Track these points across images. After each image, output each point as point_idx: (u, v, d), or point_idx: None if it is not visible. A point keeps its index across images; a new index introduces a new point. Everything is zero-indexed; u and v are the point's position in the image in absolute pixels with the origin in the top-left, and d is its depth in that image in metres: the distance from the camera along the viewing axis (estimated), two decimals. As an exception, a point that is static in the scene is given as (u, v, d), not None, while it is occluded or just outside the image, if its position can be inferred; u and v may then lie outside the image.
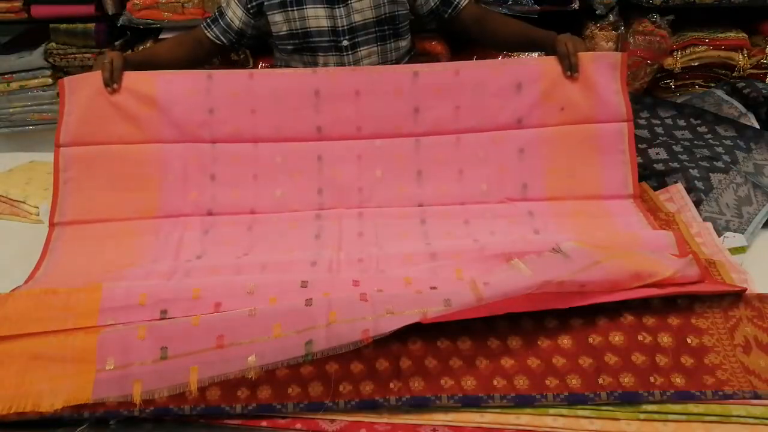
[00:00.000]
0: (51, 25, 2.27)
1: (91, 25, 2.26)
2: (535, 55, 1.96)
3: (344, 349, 1.11)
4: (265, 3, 1.69)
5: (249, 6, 1.70)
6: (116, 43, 2.34)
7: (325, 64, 1.73)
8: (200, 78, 1.63)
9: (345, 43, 1.70)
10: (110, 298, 1.23)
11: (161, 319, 1.20)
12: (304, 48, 1.73)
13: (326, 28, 1.69)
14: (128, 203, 1.58)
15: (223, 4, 1.77)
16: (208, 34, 1.76)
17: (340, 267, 1.35)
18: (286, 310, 1.17)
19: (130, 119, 1.60)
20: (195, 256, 1.44)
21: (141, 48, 2.25)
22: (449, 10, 1.76)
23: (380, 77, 1.63)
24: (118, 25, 2.27)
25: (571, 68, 1.59)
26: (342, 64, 1.73)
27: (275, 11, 1.68)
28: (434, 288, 1.19)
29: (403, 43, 1.80)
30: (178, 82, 1.62)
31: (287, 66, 1.81)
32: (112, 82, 1.59)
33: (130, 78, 1.62)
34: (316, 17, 1.68)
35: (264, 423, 1.13)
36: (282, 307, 1.18)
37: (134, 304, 1.22)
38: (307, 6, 1.67)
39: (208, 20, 1.78)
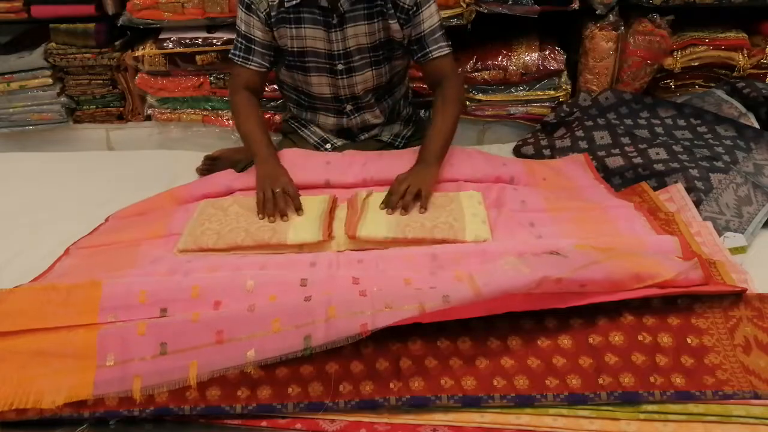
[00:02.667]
0: (51, 25, 2.28)
1: (91, 25, 2.26)
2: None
3: (342, 343, 1.11)
4: (273, 18, 1.65)
5: (268, 21, 1.66)
6: (116, 42, 2.35)
7: (319, 85, 1.75)
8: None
9: (340, 67, 1.70)
10: (110, 296, 1.23)
11: (161, 317, 1.20)
12: (297, 67, 1.73)
13: (322, 51, 1.68)
14: (141, 231, 1.59)
15: (243, 30, 1.68)
16: (252, 68, 1.70)
17: (339, 266, 1.35)
18: (285, 306, 1.17)
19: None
20: (194, 255, 1.44)
21: (142, 55, 2.26)
22: (419, 54, 1.70)
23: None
24: (118, 25, 2.27)
25: (387, 203, 1.52)
26: (336, 86, 1.75)
27: (278, 26, 1.67)
28: (433, 288, 1.19)
29: (398, 62, 1.78)
30: None
31: (282, 81, 1.86)
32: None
33: None
34: (314, 38, 1.67)
35: (264, 423, 1.12)
36: (281, 303, 1.19)
37: (134, 303, 1.22)
38: (306, 26, 1.65)
39: (241, 55, 1.70)
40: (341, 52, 1.68)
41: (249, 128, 1.70)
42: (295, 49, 1.69)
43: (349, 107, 1.79)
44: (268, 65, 1.72)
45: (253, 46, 1.68)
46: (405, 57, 1.80)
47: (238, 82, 1.74)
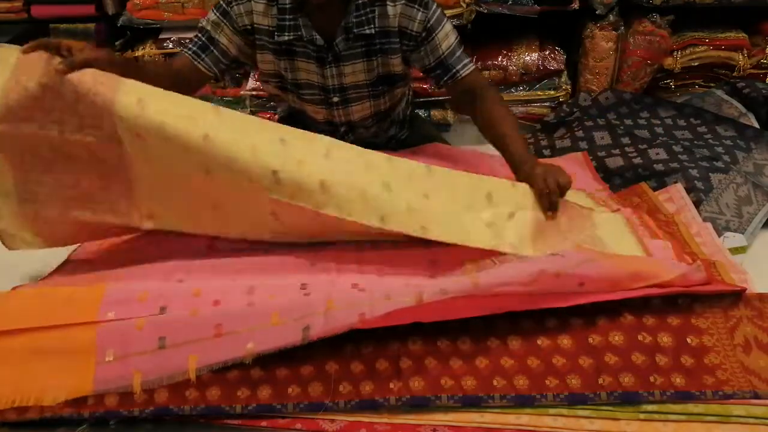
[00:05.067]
0: (51, 25, 2.28)
1: (91, 25, 2.27)
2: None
3: (342, 330, 1.11)
4: (257, 43, 1.54)
5: (250, 37, 1.54)
6: (116, 43, 2.35)
7: (313, 111, 1.68)
8: None
9: (335, 99, 1.62)
10: (111, 296, 1.23)
11: (160, 314, 1.20)
12: (290, 91, 1.65)
13: (316, 84, 1.60)
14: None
15: (209, 29, 1.53)
16: (198, 65, 1.54)
17: (340, 268, 1.34)
18: (284, 301, 1.18)
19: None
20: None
21: (142, 55, 2.26)
22: (445, 78, 1.57)
23: None
24: (118, 25, 2.28)
25: (551, 206, 1.35)
26: (332, 117, 1.68)
27: (266, 52, 1.56)
28: (432, 279, 1.19)
29: (399, 90, 1.70)
30: None
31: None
32: (67, 63, 1.23)
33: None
34: (308, 71, 1.58)
35: (264, 423, 1.12)
36: (280, 299, 1.19)
37: (134, 299, 1.22)
38: (299, 59, 1.56)
39: (194, 48, 1.54)
40: (336, 86, 1.60)
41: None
42: (288, 79, 1.61)
43: (343, 129, 1.74)
44: (216, 72, 1.57)
45: (212, 48, 1.54)
46: (407, 84, 1.74)
47: (170, 64, 1.60)
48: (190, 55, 1.54)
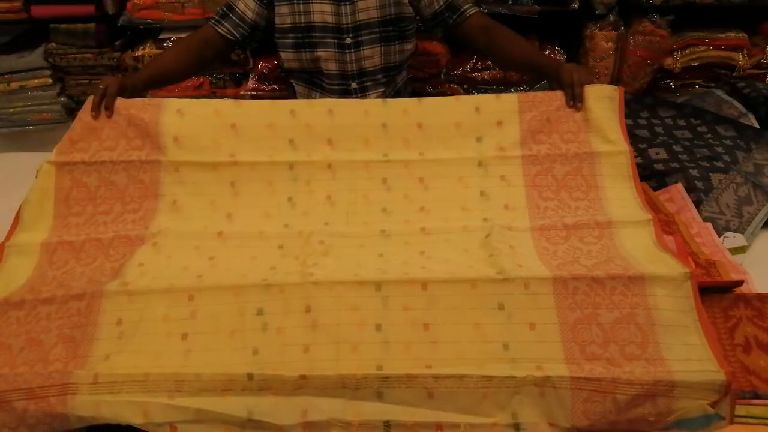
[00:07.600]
0: (51, 25, 2.28)
1: (91, 25, 2.26)
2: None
3: None
4: None
5: (264, 1, 1.71)
6: (116, 42, 2.35)
7: (326, 61, 1.73)
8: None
9: (348, 41, 1.71)
10: None
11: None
12: (305, 44, 1.72)
13: (330, 25, 1.69)
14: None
15: (230, 0, 1.73)
16: (219, 30, 1.72)
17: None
18: None
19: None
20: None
21: (142, 55, 2.26)
22: (454, 16, 1.74)
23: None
24: (118, 25, 2.28)
25: (574, 98, 1.48)
26: (344, 62, 1.73)
27: (282, 3, 1.70)
28: None
29: (408, 47, 1.80)
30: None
31: (289, 68, 1.81)
32: (99, 108, 1.49)
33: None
34: (322, 12, 1.69)
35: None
36: None
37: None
38: (314, 1, 1.68)
39: (217, 17, 1.74)
40: (350, 25, 1.70)
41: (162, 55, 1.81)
42: (302, 25, 1.70)
43: (354, 85, 1.78)
44: (236, 36, 1.74)
45: (230, 14, 1.72)
46: (414, 38, 1.82)
47: (197, 32, 1.76)
48: (213, 22, 1.74)
